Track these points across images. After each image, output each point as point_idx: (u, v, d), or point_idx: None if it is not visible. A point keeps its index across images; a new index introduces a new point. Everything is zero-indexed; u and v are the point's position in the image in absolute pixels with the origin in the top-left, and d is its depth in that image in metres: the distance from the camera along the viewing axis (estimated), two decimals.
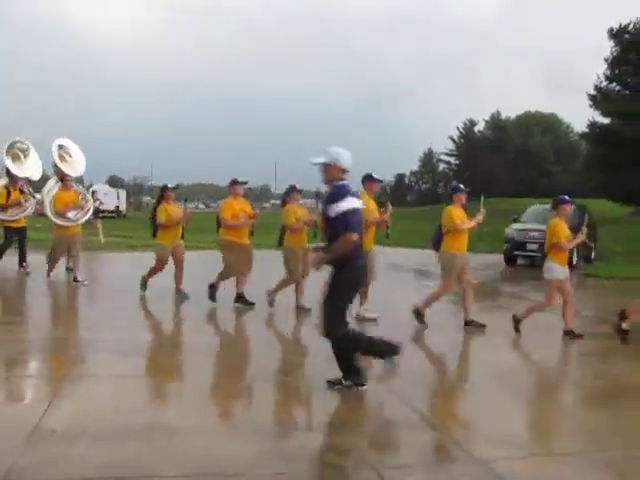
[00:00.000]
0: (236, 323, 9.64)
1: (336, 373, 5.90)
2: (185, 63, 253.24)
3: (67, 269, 13.62)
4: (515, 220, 21.29)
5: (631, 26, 42.04)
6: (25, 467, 3.97)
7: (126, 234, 26.57)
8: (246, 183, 10.88)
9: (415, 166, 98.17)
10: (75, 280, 12.28)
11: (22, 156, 14.01)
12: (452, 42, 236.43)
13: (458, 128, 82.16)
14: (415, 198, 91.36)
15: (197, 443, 4.45)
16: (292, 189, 10.34)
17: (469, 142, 79.67)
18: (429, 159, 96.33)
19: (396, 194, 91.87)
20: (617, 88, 43.79)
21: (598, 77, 43.14)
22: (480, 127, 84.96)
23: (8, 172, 13.67)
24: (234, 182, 10.62)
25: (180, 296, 10.91)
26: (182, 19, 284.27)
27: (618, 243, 24.71)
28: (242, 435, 4.72)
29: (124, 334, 7.92)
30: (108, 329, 8.21)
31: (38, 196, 14.10)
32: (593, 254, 21.95)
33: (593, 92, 43.14)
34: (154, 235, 11.12)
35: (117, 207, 55.37)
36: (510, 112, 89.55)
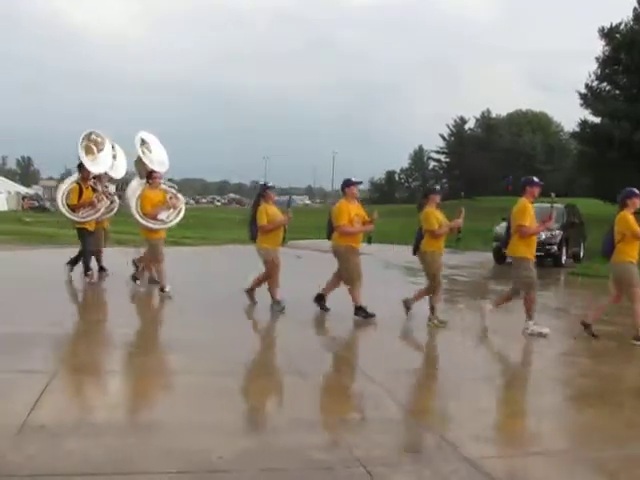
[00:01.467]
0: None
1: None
2: (175, 63, 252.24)
3: (133, 278, 11.93)
4: (504, 219, 21.30)
5: (622, 26, 42.12)
6: (14, 462, 3.95)
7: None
8: (361, 183, 10.22)
9: (405, 163, 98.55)
10: (162, 290, 10.81)
11: (95, 149, 12.45)
12: (443, 40, 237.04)
13: (448, 126, 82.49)
14: (405, 195, 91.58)
15: (186, 439, 4.45)
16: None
17: (459, 140, 79.90)
18: (419, 157, 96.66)
19: (386, 191, 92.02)
20: (608, 88, 43.87)
21: (590, 75, 43.24)
22: (471, 125, 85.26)
23: (80, 167, 12.14)
24: (349, 183, 9.78)
25: (276, 308, 9.79)
26: (169, 19, 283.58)
27: None
28: (230, 432, 4.72)
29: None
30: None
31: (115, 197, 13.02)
32: (582, 253, 22.06)
33: (584, 91, 43.22)
34: (253, 238, 10.12)
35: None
36: (501, 110, 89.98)
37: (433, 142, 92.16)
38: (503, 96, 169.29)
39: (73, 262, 12.14)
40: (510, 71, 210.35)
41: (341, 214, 9.52)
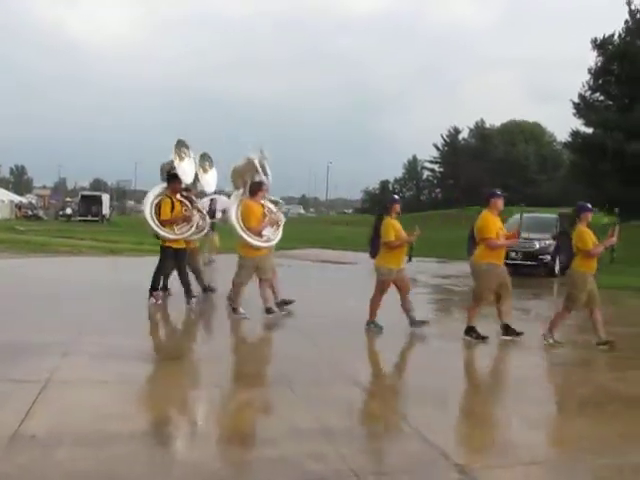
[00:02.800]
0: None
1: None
2: (172, 68, 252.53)
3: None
4: None
5: (615, 37, 42.40)
6: (4, 472, 3.93)
7: (110, 239, 26.44)
8: (506, 195, 9.48)
9: (399, 173, 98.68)
10: (269, 311, 9.94)
11: (184, 157, 11.17)
12: (437, 50, 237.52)
13: (442, 136, 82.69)
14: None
15: (179, 450, 4.43)
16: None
17: (453, 150, 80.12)
18: (413, 166, 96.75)
19: (379, 201, 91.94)
20: (601, 98, 44.11)
21: (583, 86, 43.46)
22: (464, 135, 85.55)
23: (170, 177, 10.86)
24: (494, 194, 9.20)
25: (374, 328, 9.32)
26: (168, 24, 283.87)
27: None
28: (224, 442, 4.70)
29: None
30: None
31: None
32: None
33: (577, 101, 43.42)
34: (373, 256, 9.47)
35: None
36: (494, 120, 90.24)
37: (427, 152, 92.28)
38: (497, 106, 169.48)
39: (186, 290, 10.76)
40: (504, 81, 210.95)
41: (488, 227, 8.94)
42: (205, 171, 11.57)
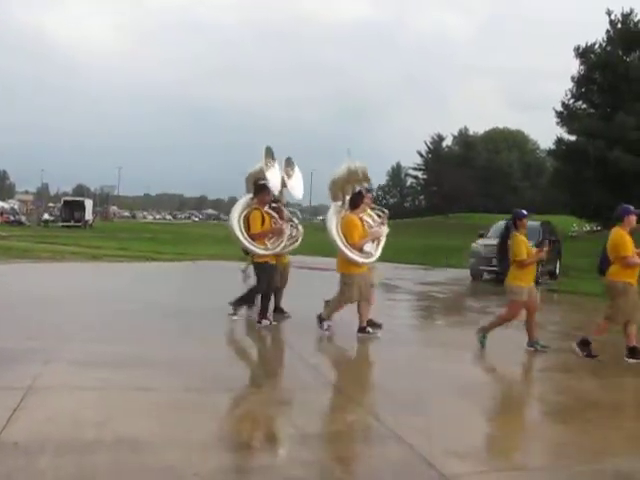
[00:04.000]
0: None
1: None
2: (156, 77, 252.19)
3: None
4: (481, 235, 21.46)
5: (597, 45, 42.83)
6: None
7: (92, 244, 26.31)
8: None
9: (383, 180, 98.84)
10: (363, 330, 9.31)
11: (270, 166, 10.42)
12: (421, 59, 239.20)
13: (426, 143, 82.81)
14: None
15: (160, 456, 4.41)
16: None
17: (437, 157, 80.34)
18: (397, 173, 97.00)
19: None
20: (583, 106, 44.52)
21: (566, 94, 43.83)
22: (448, 142, 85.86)
23: (258, 188, 10.07)
24: (629, 211, 8.56)
25: (539, 347, 8.90)
26: (155, 32, 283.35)
27: (582, 259, 25.02)
28: (208, 449, 4.68)
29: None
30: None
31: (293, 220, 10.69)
32: (557, 270, 22.24)
33: (560, 109, 43.78)
34: (502, 273, 9.13)
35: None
36: (478, 128, 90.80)
37: (411, 159, 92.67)
38: (480, 114, 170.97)
39: (243, 301, 10.19)
40: (487, 89, 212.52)
41: (625, 244, 8.38)
42: (289, 176, 10.86)
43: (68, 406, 5.52)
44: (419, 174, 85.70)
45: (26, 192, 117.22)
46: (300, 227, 10.38)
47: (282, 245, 10.02)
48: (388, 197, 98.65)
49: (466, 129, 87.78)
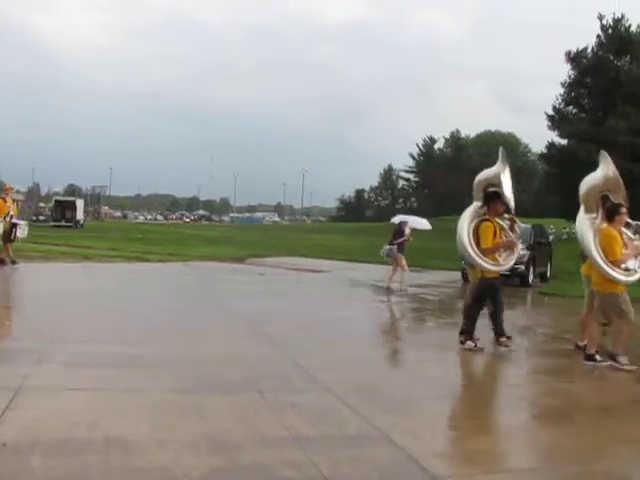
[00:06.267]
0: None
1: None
2: (144, 77, 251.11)
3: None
4: None
5: (588, 50, 43.03)
6: None
7: (83, 244, 26.22)
8: None
9: (375, 182, 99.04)
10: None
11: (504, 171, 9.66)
12: (414, 60, 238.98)
13: (418, 145, 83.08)
14: (374, 213, 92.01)
15: (151, 458, 4.40)
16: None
17: (428, 159, 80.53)
18: (389, 175, 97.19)
19: (354, 209, 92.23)
20: (574, 110, 44.70)
21: (557, 98, 44.00)
22: (440, 145, 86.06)
23: (490, 197, 9.24)
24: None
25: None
26: (139, 32, 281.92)
27: (573, 262, 25.12)
28: (197, 449, 4.67)
29: None
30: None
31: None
32: (549, 273, 22.32)
33: (551, 113, 43.95)
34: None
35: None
36: (469, 131, 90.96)
37: (403, 161, 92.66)
38: (472, 117, 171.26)
39: (497, 327, 9.19)
40: (480, 92, 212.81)
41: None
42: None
43: (58, 407, 5.50)
44: (411, 177, 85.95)
45: (17, 191, 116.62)
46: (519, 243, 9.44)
47: (513, 260, 9.26)
48: (380, 199, 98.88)
49: (458, 132, 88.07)
